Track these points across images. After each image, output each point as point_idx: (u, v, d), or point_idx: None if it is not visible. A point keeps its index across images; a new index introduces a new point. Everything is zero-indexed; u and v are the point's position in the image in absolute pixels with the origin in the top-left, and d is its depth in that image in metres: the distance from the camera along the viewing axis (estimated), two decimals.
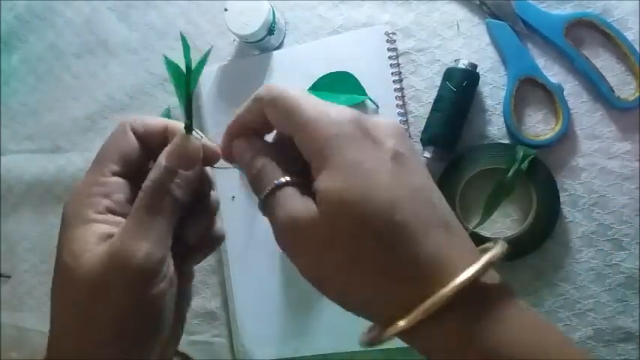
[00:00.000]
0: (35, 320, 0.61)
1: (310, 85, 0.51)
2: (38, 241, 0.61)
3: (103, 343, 0.26)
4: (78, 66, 0.61)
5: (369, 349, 0.26)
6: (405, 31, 0.51)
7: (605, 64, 0.47)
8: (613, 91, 0.46)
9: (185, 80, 0.29)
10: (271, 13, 0.50)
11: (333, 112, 0.26)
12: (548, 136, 0.47)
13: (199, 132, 0.30)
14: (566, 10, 0.48)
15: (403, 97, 0.51)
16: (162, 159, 0.28)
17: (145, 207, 0.27)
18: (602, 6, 0.47)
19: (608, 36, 0.47)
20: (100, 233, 0.26)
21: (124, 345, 0.26)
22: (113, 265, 0.25)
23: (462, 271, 0.23)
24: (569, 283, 0.47)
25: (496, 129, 0.49)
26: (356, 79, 0.50)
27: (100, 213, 0.27)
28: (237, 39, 0.55)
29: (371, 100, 0.50)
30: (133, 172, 0.29)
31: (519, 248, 0.47)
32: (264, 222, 0.27)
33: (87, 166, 0.65)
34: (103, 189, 0.27)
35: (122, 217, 0.27)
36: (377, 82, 0.50)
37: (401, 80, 0.51)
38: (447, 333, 0.24)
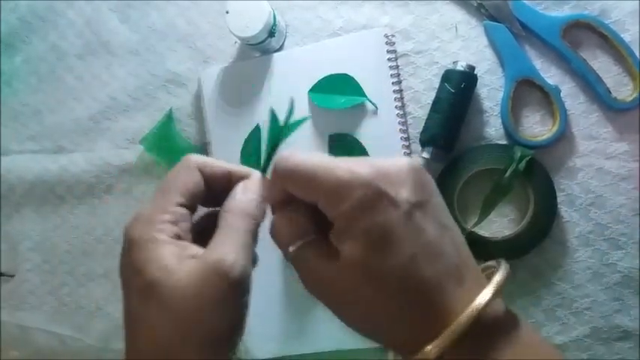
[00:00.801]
0: (37, 319, 0.61)
1: (310, 86, 0.52)
2: (40, 241, 0.61)
3: (199, 346, 0.28)
4: (80, 67, 0.61)
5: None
6: (404, 33, 0.52)
7: (602, 65, 0.48)
8: (610, 93, 0.47)
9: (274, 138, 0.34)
10: (272, 16, 0.50)
11: (347, 178, 0.27)
12: (545, 137, 0.48)
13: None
14: (564, 12, 0.49)
15: (402, 98, 0.51)
16: (256, 196, 0.31)
17: (229, 226, 0.30)
18: (600, 7, 0.48)
19: (605, 37, 0.47)
20: (179, 253, 0.28)
21: (217, 347, 0.28)
22: (211, 276, 0.27)
23: (467, 309, 0.26)
24: (567, 283, 0.48)
25: (494, 130, 0.50)
26: (355, 80, 0.51)
27: (171, 237, 0.29)
28: (238, 41, 0.55)
29: (370, 101, 0.50)
30: (194, 204, 0.32)
31: (517, 248, 0.48)
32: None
33: (89, 166, 0.66)
34: (172, 217, 0.30)
35: (190, 239, 0.30)
36: (376, 84, 0.51)
37: (400, 82, 0.51)
38: None
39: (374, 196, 0.26)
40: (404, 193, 0.27)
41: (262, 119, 0.53)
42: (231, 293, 0.28)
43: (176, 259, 0.28)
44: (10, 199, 0.62)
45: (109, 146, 0.59)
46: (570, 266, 0.48)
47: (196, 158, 0.32)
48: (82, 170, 0.60)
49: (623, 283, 0.47)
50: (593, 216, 0.47)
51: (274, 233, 0.30)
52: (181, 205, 0.30)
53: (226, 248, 0.28)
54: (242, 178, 0.32)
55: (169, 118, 0.57)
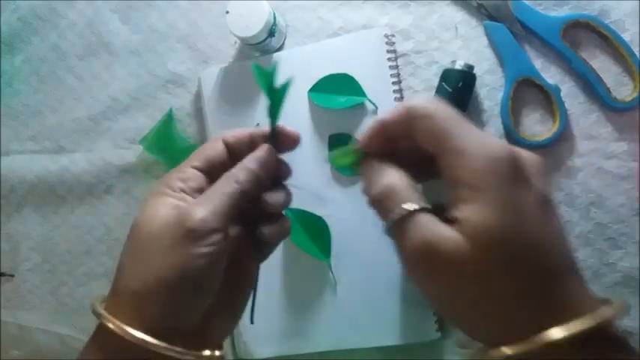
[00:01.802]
0: (37, 319, 0.61)
1: (310, 86, 0.52)
2: (41, 241, 0.61)
3: (149, 285, 0.30)
4: (80, 67, 0.61)
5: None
6: (404, 33, 0.52)
7: (602, 65, 0.48)
8: (610, 92, 0.47)
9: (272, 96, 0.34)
10: (272, 16, 0.50)
11: (492, 145, 0.26)
12: (545, 137, 0.48)
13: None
14: (564, 12, 0.49)
15: (402, 98, 0.51)
16: (250, 163, 0.33)
17: (214, 186, 0.32)
18: (600, 7, 0.48)
19: (605, 37, 0.47)
20: (172, 203, 0.31)
21: (165, 292, 0.30)
22: (172, 222, 0.30)
23: (579, 319, 0.25)
24: None
25: (494, 129, 0.50)
26: (355, 80, 0.51)
27: (174, 191, 0.32)
28: (238, 41, 0.55)
29: (370, 101, 0.51)
30: (215, 172, 0.34)
31: None
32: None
33: (90, 166, 0.66)
34: (181, 175, 0.33)
35: (191, 197, 0.32)
36: (376, 84, 0.51)
37: (400, 82, 0.51)
38: None
39: (515, 174, 0.26)
40: (539, 183, 0.27)
41: (262, 119, 0.53)
42: (184, 239, 0.29)
43: (162, 207, 0.31)
44: (11, 199, 0.62)
45: (110, 146, 0.59)
46: None
47: (224, 133, 0.35)
48: (83, 170, 0.60)
49: (623, 283, 0.47)
50: (593, 216, 0.47)
51: (376, 197, 0.29)
52: (195, 167, 0.34)
53: (198, 202, 0.31)
54: (262, 137, 0.35)
55: (169, 117, 0.57)
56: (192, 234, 0.29)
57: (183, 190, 0.32)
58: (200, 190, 0.33)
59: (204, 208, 0.30)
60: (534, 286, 0.25)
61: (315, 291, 0.51)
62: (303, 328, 0.51)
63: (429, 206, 0.27)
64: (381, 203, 0.28)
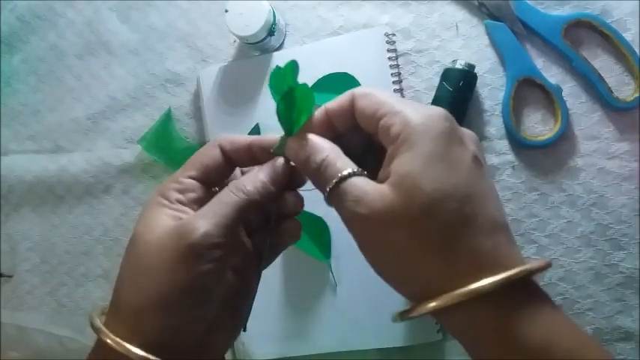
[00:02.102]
0: (36, 320, 0.61)
1: (310, 85, 0.51)
2: (39, 241, 0.61)
3: (149, 301, 0.29)
4: (79, 67, 0.61)
5: (398, 321, 0.29)
6: (405, 32, 0.51)
7: (604, 64, 0.47)
8: (611, 92, 0.46)
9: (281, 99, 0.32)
10: (272, 15, 0.50)
11: (430, 107, 0.28)
12: (547, 137, 0.48)
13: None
14: (565, 11, 0.48)
15: (403, 97, 0.51)
16: (263, 175, 0.32)
17: (217, 197, 0.31)
18: (601, 7, 0.47)
19: (606, 37, 0.47)
20: (171, 215, 0.30)
21: (166, 309, 0.29)
22: (175, 236, 0.29)
23: (506, 271, 0.25)
24: (569, 283, 0.47)
25: (495, 129, 0.49)
26: (356, 79, 0.50)
27: (172, 202, 0.31)
28: (237, 40, 0.55)
29: None
30: (212, 180, 0.33)
31: None
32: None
33: (88, 166, 0.66)
34: (178, 185, 0.32)
35: (192, 206, 0.31)
36: (377, 83, 0.50)
37: (400, 81, 0.51)
38: (479, 321, 0.26)
39: (449, 130, 0.27)
40: (472, 145, 0.28)
41: (261, 118, 0.53)
42: (186, 256, 0.28)
43: (162, 219, 0.30)
44: (10, 199, 0.62)
45: (108, 146, 0.59)
46: (572, 267, 0.47)
47: (221, 137, 0.33)
48: (81, 170, 0.59)
49: (625, 284, 0.46)
50: (594, 216, 0.47)
51: (312, 171, 0.30)
52: (192, 177, 0.32)
53: (201, 214, 0.30)
54: (261, 147, 0.33)
55: (168, 117, 0.56)
56: (194, 250, 0.28)
57: (181, 202, 0.31)
58: (198, 201, 0.32)
59: (206, 222, 0.29)
60: (461, 237, 0.26)
61: (315, 292, 0.51)
62: (303, 329, 0.51)
63: (364, 172, 0.28)
64: (320, 173, 0.29)
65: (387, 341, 0.49)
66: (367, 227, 0.27)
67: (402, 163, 0.26)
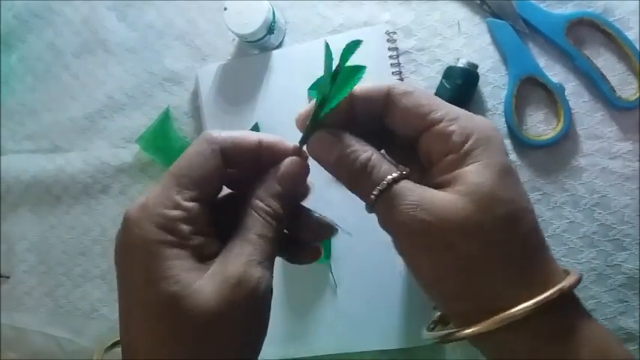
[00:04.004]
0: (33, 321, 0.60)
1: (310, 84, 0.51)
2: (37, 242, 0.61)
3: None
4: (77, 65, 0.60)
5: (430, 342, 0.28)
6: (406, 30, 0.51)
7: (607, 63, 0.47)
8: (614, 91, 0.46)
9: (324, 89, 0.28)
10: (271, 13, 0.50)
11: (477, 116, 0.28)
12: (549, 136, 0.47)
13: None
14: (567, 10, 0.48)
15: None
16: (276, 186, 0.27)
17: (266, 236, 0.26)
18: (604, 5, 0.47)
19: (609, 35, 0.47)
20: (194, 258, 0.25)
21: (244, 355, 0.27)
22: (240, 297, 0.25)
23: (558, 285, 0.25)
24: None
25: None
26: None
27: (186, 239, 0.25)
28: (236, 38, 0.54)
29: None
30: (214, 192, 0.28)
31: None
32: None
33: (86, 165, 0.65)
34: (183, 214, 0.26)
35: (205, 238, 0.26)
36: (377, 81, 0.50)
37: (401, 79, 0.51)
38: (521, 340, 0.25)
39: (501, 140, 0.27)
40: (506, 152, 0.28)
41: (261, 117, 0.52)
42: (259, 310, 0.26)
43: (194, 272, 0.25)
44: (7, 200, 0.61)
45: (106, 145, 0.59)
46: (574, 267, 0.47)
47: (215, 136, 0.27)
48: (79, 170, 0.59)
49: (627, 285, 0.46)
50: (597, 216, 0.47)
51: (349, 174, 0.27)
52: (195, 199, 0.26)
53: (245, 259, 0.25)
54: (274, 150, 0.28)
55: (166, 116, 0.56)
56: (264, 300, 0.26)
57: (193, 233, 0.26)
58: (208, 224, 0.27)
59: (260, 268, 0.25)
60: (535, 249, 0.26)
61: (315, 293, 0.50)
62: (303, 331, 0.51)
63: (407, 170, 0.27)
64: (365, 175, 0.27)
65: (387, 343, 0.48)
66: (428, 234, 0.25)
67: (474, 174, 0.25)
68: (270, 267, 0.26)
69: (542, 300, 0.24)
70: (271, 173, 0.28)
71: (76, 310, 0.59)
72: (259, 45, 0.52)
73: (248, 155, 0.28)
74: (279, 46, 0.54)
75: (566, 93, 0.47)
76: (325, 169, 0.28)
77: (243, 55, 0.55)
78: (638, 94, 0.46)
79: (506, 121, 0.48)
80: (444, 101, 0.28)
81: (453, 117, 0.27)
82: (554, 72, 0.48)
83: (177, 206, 0.25)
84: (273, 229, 0.27)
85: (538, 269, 0.26)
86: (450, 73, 0.47)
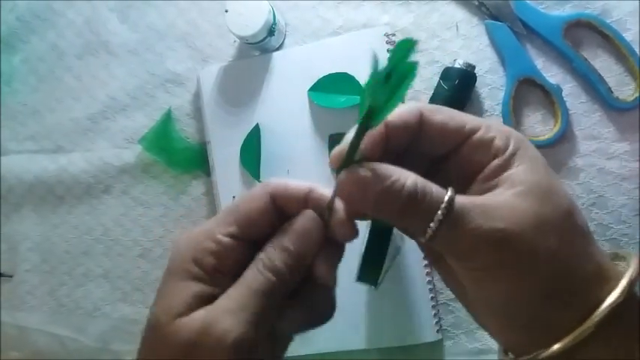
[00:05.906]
0: (36, 320, 0.61)
1: (310, 85, 0.52)
2: (39, 241, 0.61)
3: None
4: (79, 66, 0.61)
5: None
6: (405, 32, 0.51)
7: (604, 64, 0.47)
8: (612, 92, 0.46)
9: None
10: (272, 15, 0.50)
11: (500, 124, 0.28)
12: (547, 137, 0.47)
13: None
14: (565, 11, 0.48)
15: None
16: (284, 239, 0.26)
17: (253, 289, 0.25)
18: (601, 7, 0.47)
19: (606, 37, 0.47)
20: (200, 294, 0.26)
21: None
22: (208, 339, 0.24)
23: (619, 282, 0.24)
24: None
25: None
26: (356, 79, 0.50)
27: (205, 272, 0.26)
28: (237, 40, 0.55)
29: None
30: (255, 233, 0.27)
31: None
32: None
33: (88, 166, 0.65)
34: (216, 247, 0.26)
35: (228, 278, 0.26)
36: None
37: None
38: (607, 348, 0.24)
39: (525, 137, 0.27)
40: None
41: (261, 118, 0.53)
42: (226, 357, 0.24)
43: (189, 303, 0.25)
44: (9, 200, 0.62)
45: (108, 146, 0.59)
46: None
47: (272, 183, 0.27)
48: (81, 170, 0.59)
49: None
50: (594, 216, 0.47)
51: (407, 200, 0.24)
52: (232, 235, 0.26)
53: (223, 308, 0.25)
54: (320, 200, 0.27)
55: (168, 117, 0.56)
56: (232, 351, 0.24)
57: (216, 269, 0.26)
58: (238, 262, 0.26)
59: (243, 321, 0.24)
60: (591, 243, 0.26)
61: None
62: None
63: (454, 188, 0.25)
64: (417, 203, 0.24)
65: (386, 341, 0.49)
66: (507, 245, 0.24)
67: (527, 172, 0.25)
68: (252, 321, 0.25)
69: (623, 292, 0.24)
70: (285, 225, 0.27)
71: (78, 308, 0.59)
72: (260, 47, 0.53)
73: (296, 201, 0.27)
74: (280, 47, 0.55)
75: (563, 94, 0.47)
76: (365, 211, 0.26)
77: (244, 56, 0.56)
78: (635, 95, 0.46)
79: (504, 121, 0.48)
80: (460, 112, 0.28)
81: (487, 124, 0.27)
82: (552, 73, 0.48)
83: (213, 238, 0.26)
84: (269, 284, 0.26)
85: (606, 260, 0.25)
86: (447, 74, 0.48)
